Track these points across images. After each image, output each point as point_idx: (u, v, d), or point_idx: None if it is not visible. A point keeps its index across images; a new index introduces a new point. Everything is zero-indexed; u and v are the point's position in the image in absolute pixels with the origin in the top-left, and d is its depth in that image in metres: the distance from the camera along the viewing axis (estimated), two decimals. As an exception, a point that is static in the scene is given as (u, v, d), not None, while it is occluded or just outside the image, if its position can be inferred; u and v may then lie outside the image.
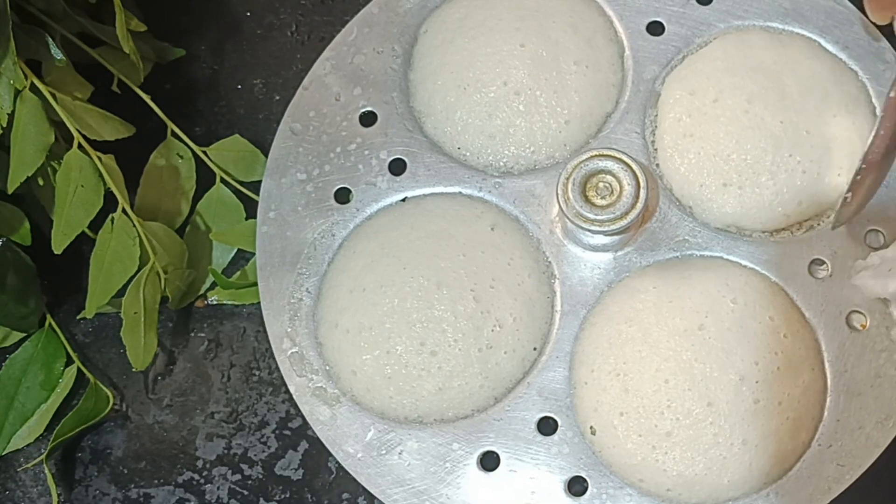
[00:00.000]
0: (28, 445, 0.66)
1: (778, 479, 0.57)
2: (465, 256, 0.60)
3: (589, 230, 0.57)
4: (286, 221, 0.63)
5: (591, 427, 0.58)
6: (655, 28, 0.64)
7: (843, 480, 0.56)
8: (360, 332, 0.59)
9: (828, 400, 0.57)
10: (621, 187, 0.56)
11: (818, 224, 0.60)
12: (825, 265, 0.59)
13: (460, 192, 0.63)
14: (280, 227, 0.63)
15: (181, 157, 0.68)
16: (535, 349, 0.60)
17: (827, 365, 0.58)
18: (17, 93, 0.60)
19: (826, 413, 0.57)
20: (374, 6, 0.67)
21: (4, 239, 0.62)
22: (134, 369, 0.63)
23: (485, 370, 0.59)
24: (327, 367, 0.61)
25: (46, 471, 0.65)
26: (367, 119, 0.65)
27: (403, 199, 0.63)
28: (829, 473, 0.56)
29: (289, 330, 0.61)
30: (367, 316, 0.59)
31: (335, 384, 0.60)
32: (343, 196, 0.64)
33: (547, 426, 0.59)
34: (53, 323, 0.67)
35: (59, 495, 0.66)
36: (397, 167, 0.64)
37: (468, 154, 0.63)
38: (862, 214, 0.59)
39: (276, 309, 0.62)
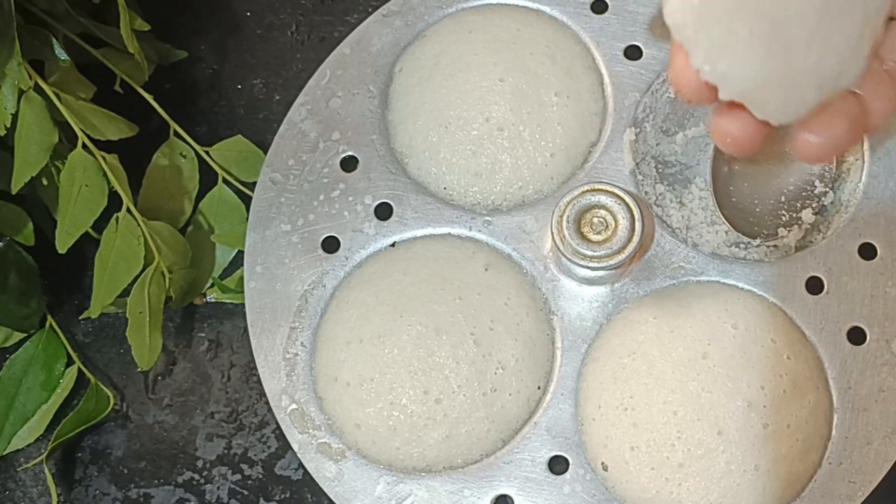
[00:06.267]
0: (28, 445, 0.66)
1: (791, 501, 0.57)
2: (462, 300, 0.59)
3: (587, 266, 0.56)
4: (274, 275, 0.62)
5: (603, 463, 0.57)
6: (633, 52, 0.64)
7: (855, 497, 0.57)
8: (360, 385, 0.59)
9: (835, 418, 0.58)
10: (616, 221, 0.56)
11: (813, 241, 0.60)
12: (821, 282, 0.59)
13: (450, 233, 0.62)
14: (269, 282, 0.62)
15: (184, 157, 0.68)
16: (539, 388, 0.59)
17: (831, 382, 0.58)
18: (21, 93, 0.60)
19: (834, 431, 0.57)
20: (346, 46, 0.66)
21: (7, 239, 0.62)
22: (139, 369, 0.63)
23: (491, 414, 0.58)
24: (329, 422, 0.60)
25: (46, 471, 0.64)
26: (348, 164, 0.64)
27: (393, 244, 0.62)
28: (841, 491, 0.57)
29: (286, 386, 0.60)
30: (367, 367, 0.59)
31: (339, 439, 0.59)
32: (331, 245, 0.62)
33: (558, 465, 0.58)
34: (54, 323, 0.67)
35: (58, 495, 0.65)
36: (384, 211, 0.63)
37: (455, 193, 0.62)
38: (855, 228, 0.60)
39: (272, 366, 0.61)
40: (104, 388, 0.66)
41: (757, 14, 0.36)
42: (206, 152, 0.68)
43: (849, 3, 0.37)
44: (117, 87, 0.66)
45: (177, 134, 0.68)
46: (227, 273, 0.68)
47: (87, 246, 0.65)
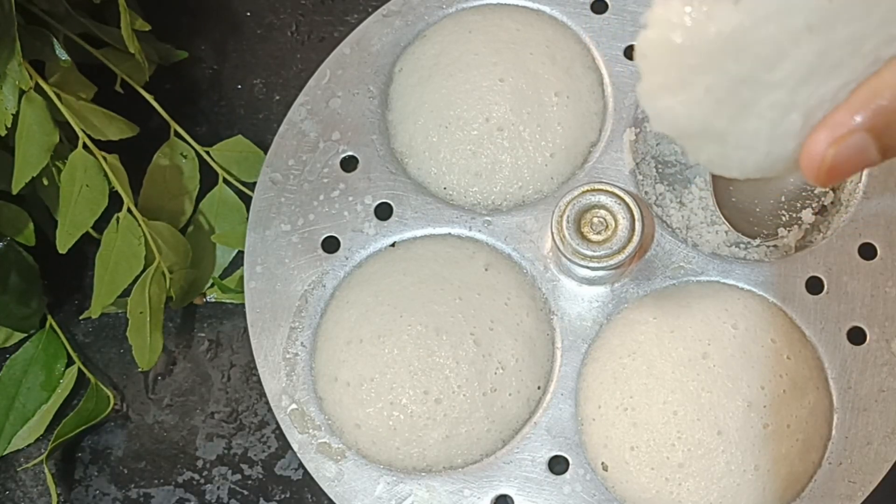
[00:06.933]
0: (28, 445, 0.66)
1: (791, 501, 0.57)
2: (462, 300, 0.59)
3: (587, 266, 0.56)
4: (274, 275, 0.62)
5: (603, 463, 0.57)
6: (633, 52, 0.64)
7: (855, 497, 0.57)
8: (360, 385, 0.59)
9: (835, 418, 0.58)
10: (616, 221, 0.56)
11: (813, 241, 0.60)
12: (821, 282, 0.59)
13: (450, 233, 0.62)
14: (269, 282, 0.62)
15: (184, 157, 0.68)
16: (539, 388, 0.59)
17: (831, 382, 0.58)
18: (22, 93, 0.60)
19: (834, 431, 0.57)
20: (346, 46, 0.66)
21: (7, 239, 0.63)
22: (139, 369, 0.63)
23: (491, 414, 0.58)
24: (329, 422, 0.60)
25: (46, 471, 0.64)
26: (348, 164, 0.64)
27: (393, 244, 0.62)
28: (841, 491, 0.57)
29: (286, 386, 0.60)
30: (367, 367, 0.59)
31: (339, 439, 0.59)
32: (331, 245, 0.63)
33: (558, 465, 0.58)
34: (54, 323, 0.67)
35: (58, 495, 0.65)
36: (383, 211, 0.63)
37: (455, 193, 0.62)
38: (855, 228, 0.60)
39: (272, 366, 0.61)
40: (104, 388, 0.66)
41: (726, 75, 0.33)
42: (207, 152, 0.68)
43: (847, 56, 0.32)
44: (118, 88, 0.66)
45: (177, 134, 0.68)
46: (227, 273, 0.68)
47: (87, 246, 0.65)
